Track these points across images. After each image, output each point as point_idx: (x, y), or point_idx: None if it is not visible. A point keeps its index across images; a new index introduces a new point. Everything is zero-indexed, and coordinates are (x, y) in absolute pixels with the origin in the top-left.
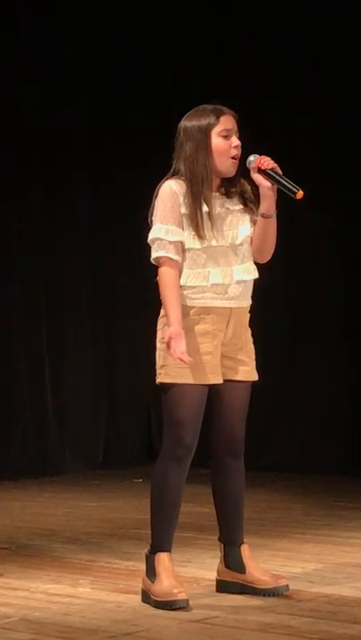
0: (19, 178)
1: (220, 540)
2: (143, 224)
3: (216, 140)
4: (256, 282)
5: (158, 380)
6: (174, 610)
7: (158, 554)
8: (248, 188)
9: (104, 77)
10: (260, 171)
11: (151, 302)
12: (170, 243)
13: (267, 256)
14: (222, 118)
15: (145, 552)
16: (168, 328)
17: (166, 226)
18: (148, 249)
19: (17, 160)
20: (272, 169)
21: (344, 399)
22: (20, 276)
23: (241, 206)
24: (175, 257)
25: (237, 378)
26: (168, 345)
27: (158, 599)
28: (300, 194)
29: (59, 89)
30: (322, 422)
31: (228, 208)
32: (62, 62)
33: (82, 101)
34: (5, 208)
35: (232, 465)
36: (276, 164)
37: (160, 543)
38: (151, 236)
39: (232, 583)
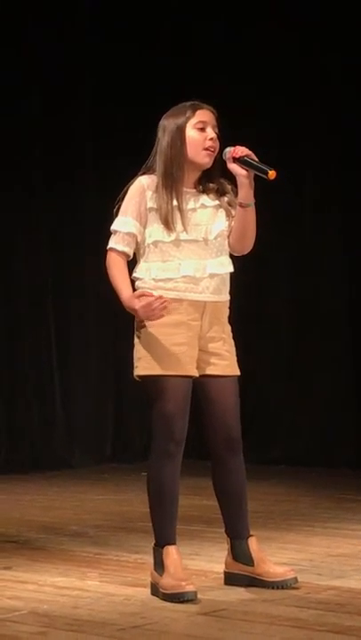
0: (23, 173)
1: (226, 534)
2: None
3: (191, 132)
4: (260, 274)
5: (135, 372)
6: (183, 602)
7: (166, 547)
8: (229, 187)
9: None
10: (235, 160)
11: None
12: (123, 234)
13: (247, 247)
14: (198, 112)
15: (152, 545)
16: (127, 300)
17: (124, 218)
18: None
19: (20, 159)
20: (246, 156)
21: (352, 392)
22: (26, 273)
23: (218, 202)
24: (122, 248)
25: (216, 372)
26: (141, 311)
27: (167, 592)
28: (272, 173)
29: (62, 79)
30: (329, 415)
31: (203, 204)
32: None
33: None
34: (11, 206)
35: (231, 462)
36: (250, 152)
37: (165, 537)
38: (112, 227)
39: (240, 575)
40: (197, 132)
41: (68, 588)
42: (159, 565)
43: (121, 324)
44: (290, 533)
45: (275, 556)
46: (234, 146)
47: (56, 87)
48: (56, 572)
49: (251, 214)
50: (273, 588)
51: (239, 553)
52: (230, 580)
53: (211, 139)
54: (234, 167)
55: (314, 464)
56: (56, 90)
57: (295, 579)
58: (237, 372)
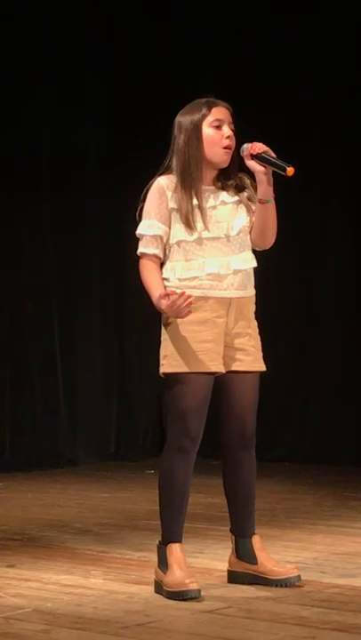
0: (29, 175)
1: (231, 532)
2: None
3: (207, 131)
4: (265, 271)
5: (161, 370)
6: (186, 600)
7: (170, 545)
8: (248, 181)
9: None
10: (252, 157)
11: None
12: (150, 237)
13: (269, 242)
14: (214, 109)
15: (157, 543)
16: (155, 299)
17: (148, 221)
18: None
19: (27, 158)
20: (264, 152)
21: (356, 390)
22: (29, 271)
23: (237, 198)
24: (152, 251)
25: (242, 368)
26: (168, 310)
27: (171, 590)
28: (290, 170)
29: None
30: (333, 413)
31: (223, 201)
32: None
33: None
34: (15, 203)
35: (243, 458)
36: (268, 148)
37: (171, 534)
38: (137, 232)
39: (243, 574)
40: (214, 130)
41: (71, 586)
42: (163, 563)
43: (126, 322)
44: (293, 531)
45: (278, 554)
46: (251, 142)
47: (58, 85)
48: (60, 569)
49: (271, 210)
50: (276, 586)
51: (243, 551)
52: (234, 578)
53: (228, 137)
54: (252, 164)
55: (318, 462)
56: (57, 89)
57: (299, 577)
58: (263, 368)
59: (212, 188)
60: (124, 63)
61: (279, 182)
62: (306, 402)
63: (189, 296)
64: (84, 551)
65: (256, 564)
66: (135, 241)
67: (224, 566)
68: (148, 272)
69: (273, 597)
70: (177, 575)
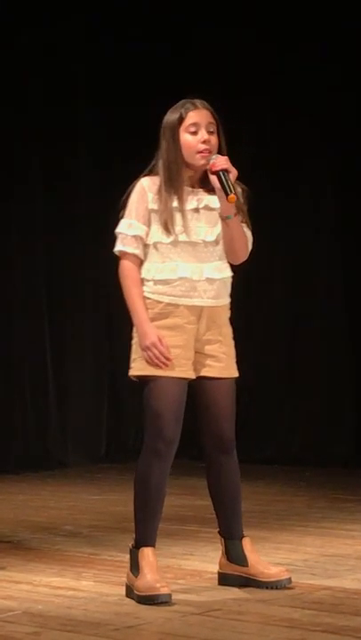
0: (18, 176)
1: (220, 534)
2: None
3: (184, 137)
4: (256, 271)
5: (130, 373)
6: (157, 604)
7: (142, 549)
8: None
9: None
10: (212, 172)
11: None
12: (130, 237)
13: (240, 257)
14: (191, 113)
15: (129, 546)
16: (144, 335)
17: (129, 220)
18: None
19: (18, 160)
20: (222, 170)
21: (346, 392)
22: (20, 271)
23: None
24: (133, 250)
25: (212, 374)
26: (148, 350)
27: (141, 594)
28: (231, 197)
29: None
30: (324, 415)
31: (207, 205)
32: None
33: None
34: (5, 203)
35: (224, 461)
36: (228, 165)
37: (144, 538)
38: (116, 229)
39: (234, 576)
40: (190, 135)
41: (62, 588)
42: (135, 567)
43: (115, 324)
44: (284, 533)
45: (269, 556)
46: (221, 155)
47: (53, 87)
48: (50, 572)
49: (234, 225)
50: (267, 588)
51: (233, 554)
52: (224, 580)
53: (204, 141)
54: (212, 179)
55: (308, 464)
56: (53, 92)
57: (289, 579)
58: (234, 374)
59: (200, 190)
60: (122, 63)
61: (270, 189)
62: (296, 403)
63: (170, 359)
64: (75, 553)
65: (247, 566)
66: None
67: (214, 568)
68: (132, 284)
69: (263, 599)
70: (148, 579)
